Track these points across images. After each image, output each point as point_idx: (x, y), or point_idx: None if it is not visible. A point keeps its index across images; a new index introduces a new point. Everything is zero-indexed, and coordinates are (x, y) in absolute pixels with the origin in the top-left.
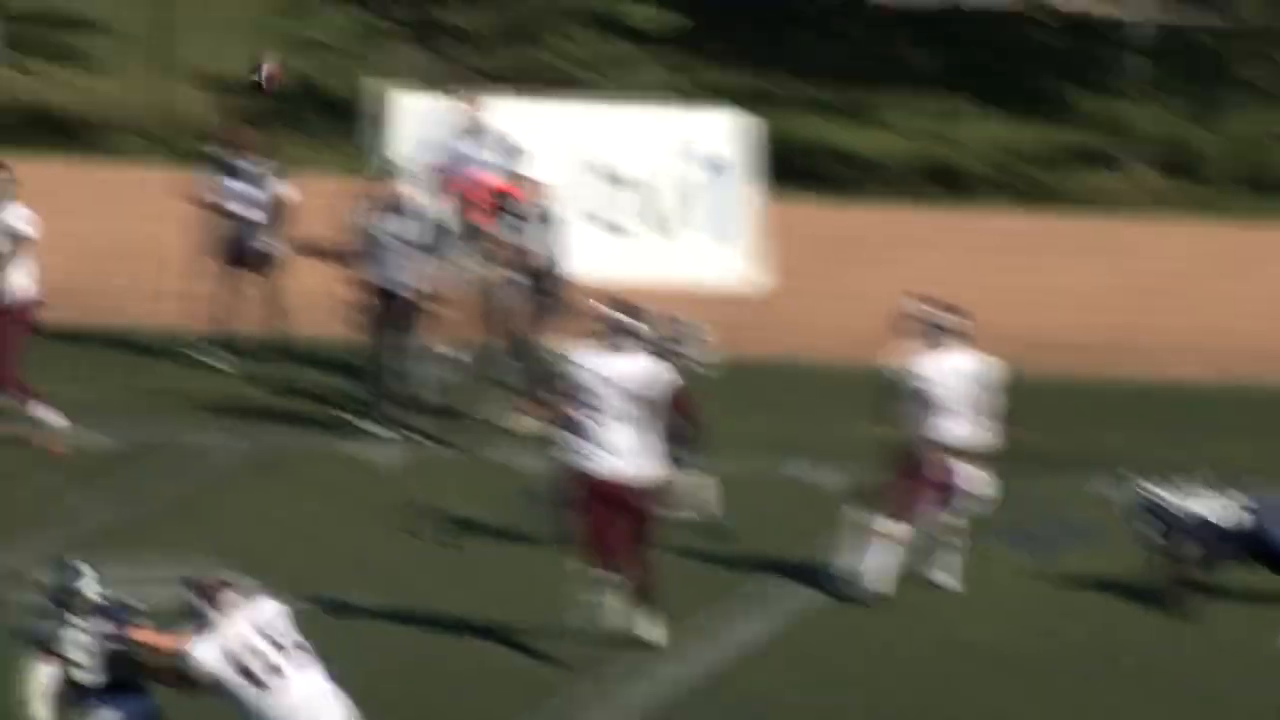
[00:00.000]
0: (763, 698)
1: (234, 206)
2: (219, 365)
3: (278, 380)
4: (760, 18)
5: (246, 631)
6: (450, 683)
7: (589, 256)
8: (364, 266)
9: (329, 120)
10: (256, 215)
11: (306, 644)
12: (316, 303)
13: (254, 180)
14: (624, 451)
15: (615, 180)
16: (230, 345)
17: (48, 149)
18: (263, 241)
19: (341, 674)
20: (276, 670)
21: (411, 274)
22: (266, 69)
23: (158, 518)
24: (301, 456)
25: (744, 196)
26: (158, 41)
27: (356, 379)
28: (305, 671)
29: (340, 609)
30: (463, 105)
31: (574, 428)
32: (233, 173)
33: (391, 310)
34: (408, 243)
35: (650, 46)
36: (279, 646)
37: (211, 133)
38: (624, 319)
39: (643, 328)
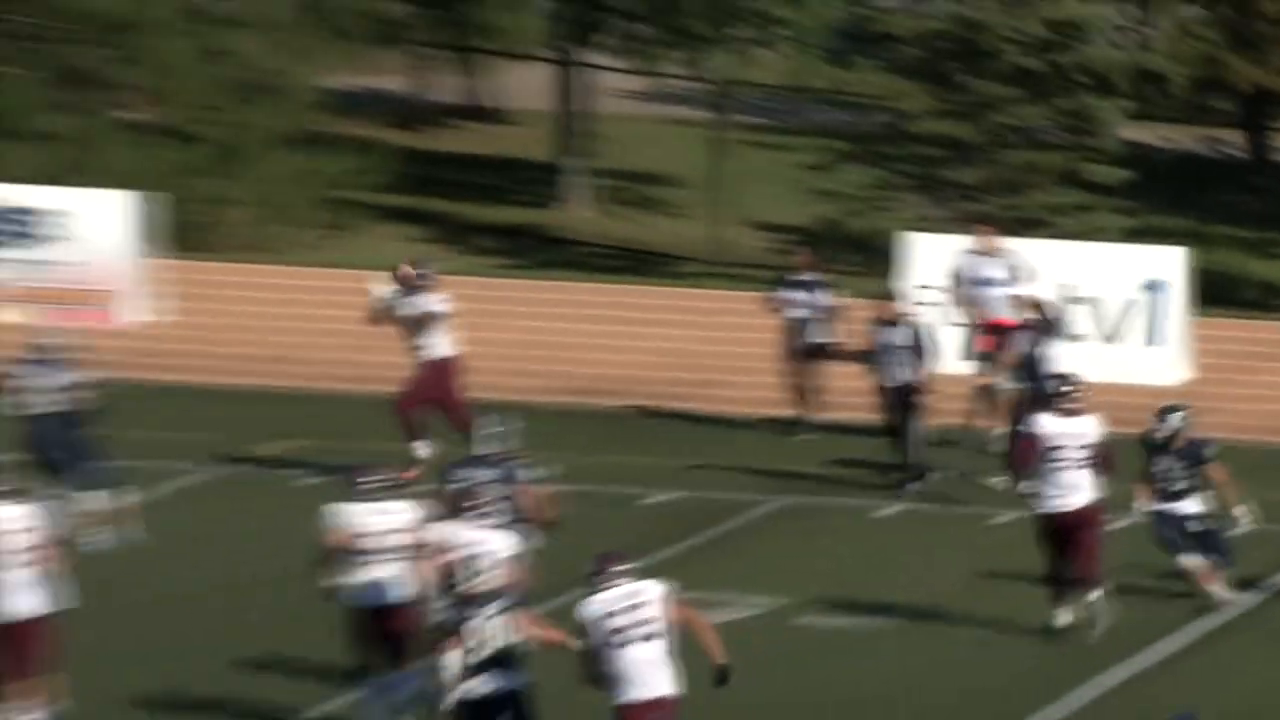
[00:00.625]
0: None
1: (798, 312)
2: (803, 436)
3: (826, 450)
4: (1194, 173)
5: (618, 600)
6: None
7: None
8: (877, 367)
9: (851, 254)
10: (815, 317)
11: (660, 623)
12: (854, 389)
13: (812, 290)
14: (1075, 488)
15: (1076, 300)
16: (797, 423)
17: (628, 275)
18: (819, 339)
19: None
20: (629, 637)
21: (911, 372)
22: (401, 271)
23: (706, 557)
24: (828, 512)
25: (1176, 312)
26: (716, 191)
27: (883, 452)
28: (649, 643)
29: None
30: (979, 237)
31: (1041, 476)
32: (796, 286)
33: (898, 401)
34: (906, 348)
35: (1106, 196)
36: (638, 621)
37: (797, 257)
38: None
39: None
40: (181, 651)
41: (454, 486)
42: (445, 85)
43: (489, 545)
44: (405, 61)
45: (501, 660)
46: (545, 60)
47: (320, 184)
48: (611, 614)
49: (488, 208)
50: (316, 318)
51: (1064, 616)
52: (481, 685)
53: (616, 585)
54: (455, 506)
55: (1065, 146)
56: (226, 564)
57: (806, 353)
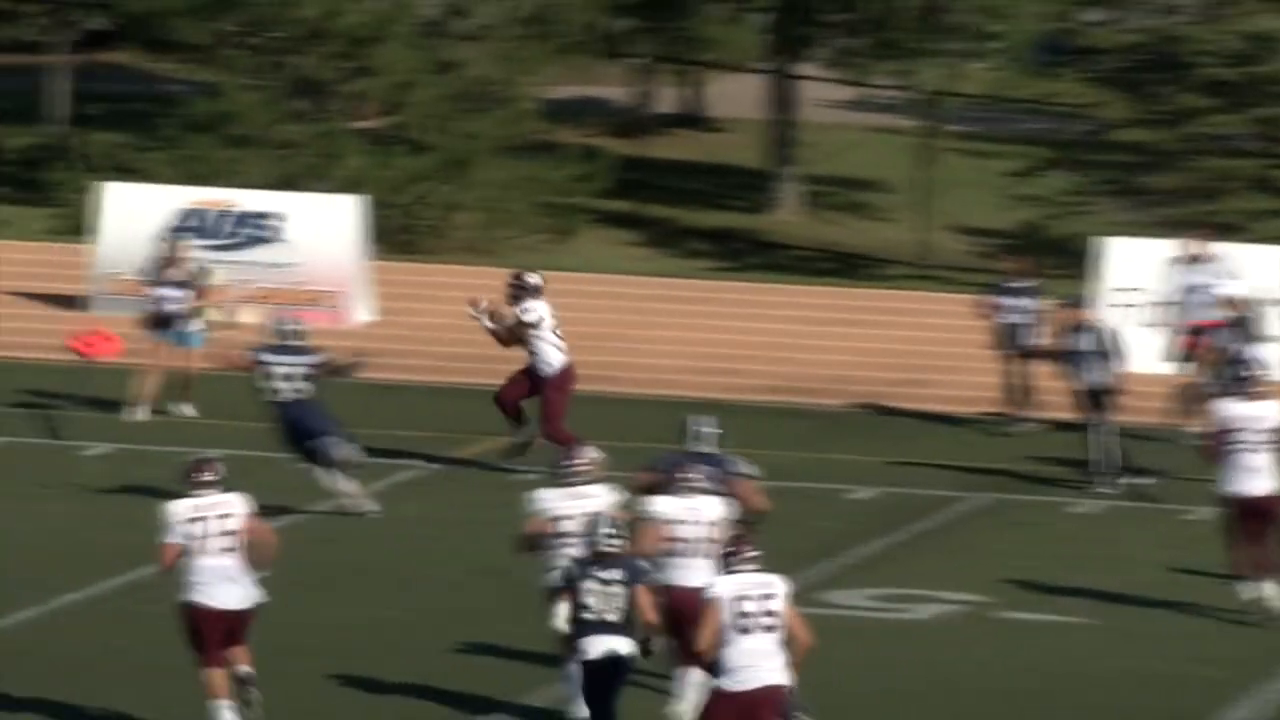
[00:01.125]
0: None
1: (1011, 317)
2: (1011, 434)
3: (1030, 447)
4: None
5: (752, 586)
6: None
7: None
8: (1070, 368)
9: (1051, 258)
10: (1025, 321)
11: (779, 616)
12: (1063, 388)
13: (1024, 295)
14: (1256, 472)
15: (1273, 303)
16: (1006, 420)
17: (836, 277)
18: (1031, 342)
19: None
20: (754, 625)
21: (1101, 375)
22: (486, 305)
23: (909, 551)
24: (1027, 508)
25: None
26: (921, 196)
27: (1083, 451)
28: (769, 635)
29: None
30: (1191, 241)
31: (1223, 461)
32: (1009, 291)
33: (1091, 402)
34: (1094, 352)
35: None
36: (765, 611)
37: (1009, 263)
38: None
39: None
40: (405, 633)
41: (665, 471)
42: (662, 95)
43: (700, 513)
44: (625, 72)
45: (617, 627)
46: (758, 71)
47: (542, 190)
48: (745, 598)
49: (701, 212)
50: None
51: (1250, 591)
52: (593, 647)
53: (748, 570)
54: (666, 486)
55: (1260, 154)
56: (447, 552)
57: (1021, 355)
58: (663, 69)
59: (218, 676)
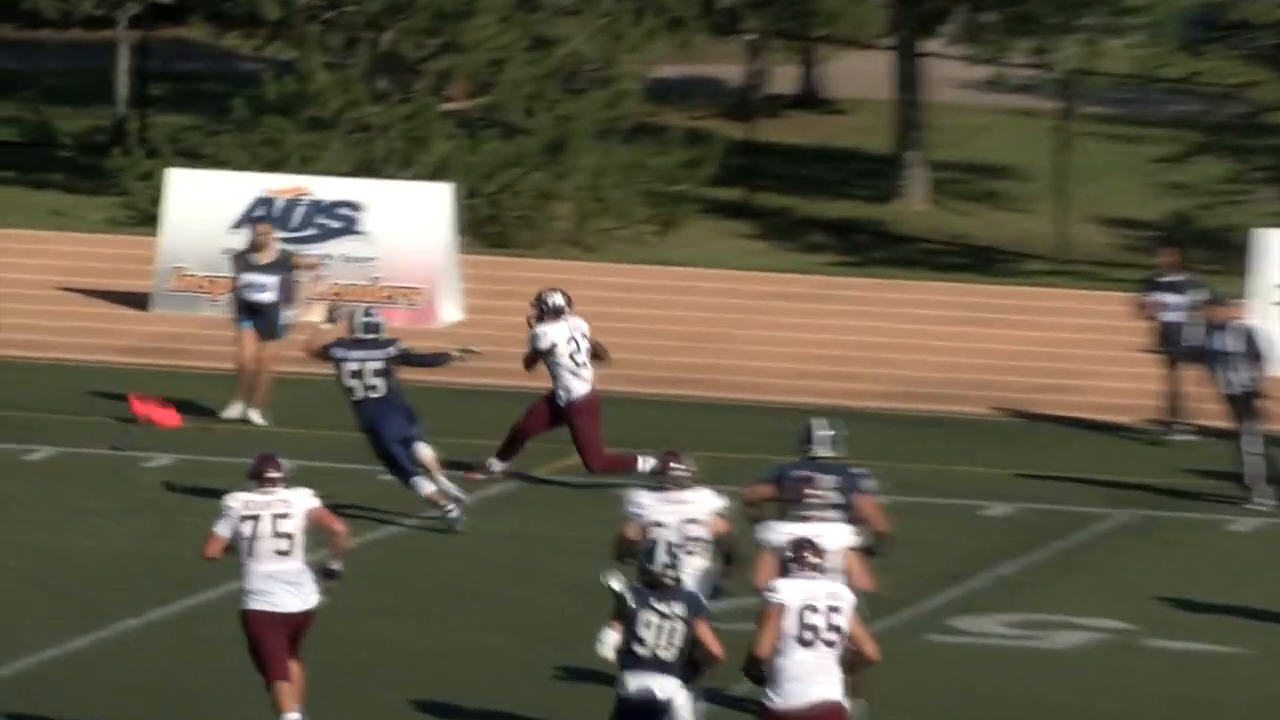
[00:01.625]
0: None
1: (1171, 315)
2: (1177, 438)
3: (1181, 459)
4: None
5: (820, 595)
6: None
7: None
8: (1214, 370)
9: (1204, 250)
10: (1183, 319)
11: (843, 630)
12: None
13: (1182, 290)
14: None
15: None
16: (1160, 429)
17: (968, 272)
18: (1194, 342)
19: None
20: (816, 638)
21: (1248, 377)
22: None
23: (1048, 573)
24: (1180, 526)
25: None
26: (1061, 184)
27: (1232, 462)
28: (830, 650)
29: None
30: None
31: None
32: (1166, 287)
33: (1238, 407)
34: (1239, 353)
35: None
36: (828, 625)
37: (1164, 256)
38: None
39: None
40: (494, 658)
41: (789, 486)
42: (777, 74)
43: (822, 539)
44: (737, 49)
45: (667, 666)
46: (882, 48)
47: (645, 177)
48: (812, 608)
49: (819, 202)
50: (636, 318)
51: None
52: (633, 683)
53: (815, 577)
54: (788, 504)
55: None
56: (540, 570)
57: (1183, 357)
58: (778, 45)
59: (285, 689)
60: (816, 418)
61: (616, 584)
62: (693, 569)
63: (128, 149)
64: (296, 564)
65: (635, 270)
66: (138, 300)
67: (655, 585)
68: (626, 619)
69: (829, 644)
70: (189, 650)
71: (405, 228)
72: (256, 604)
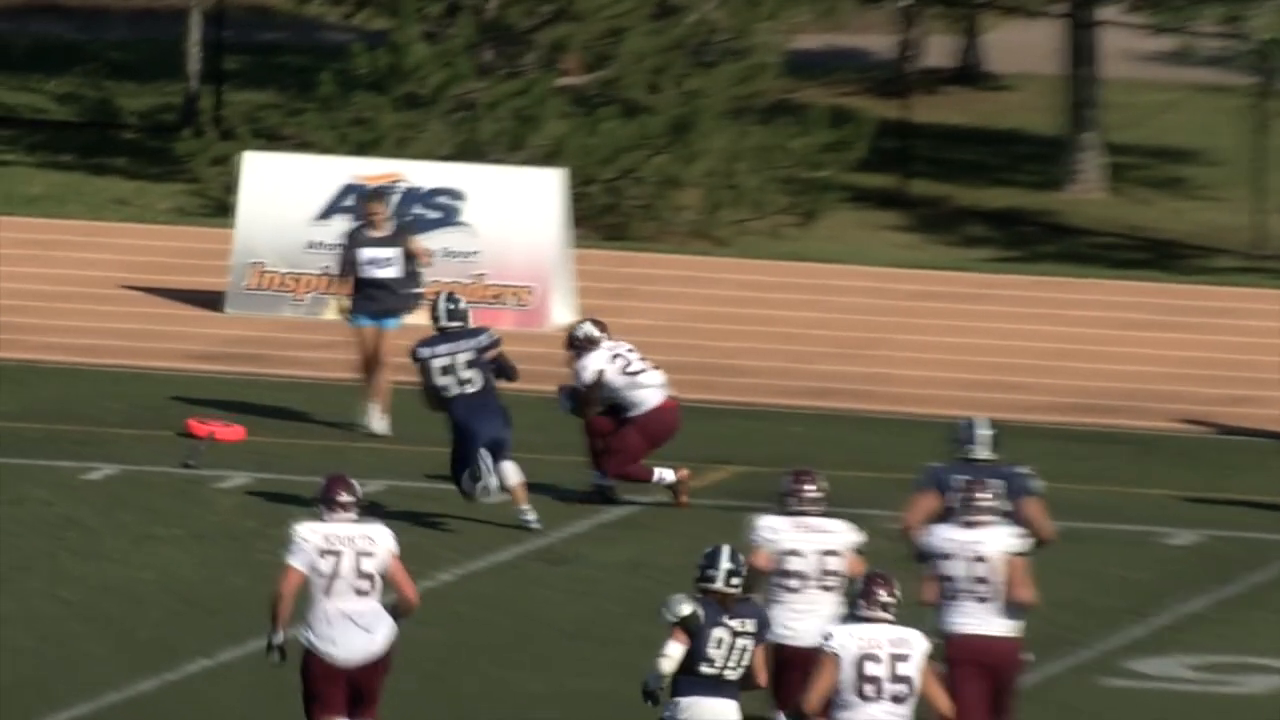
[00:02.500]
0: None
1: None
2: None
3: None
4: None
5: (884, 642)
6: None
7: None
8: None
9: None
10: None
11: (912, 682)
12: None
13: None
14: None
15: None
16: None
17: (1149, 269)
18: None
19: None
20: (878, 692)
21: None
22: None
23: (1239, 610)
24: None
25: None
26: (1257, 171)
27: None
28: (897, 706)
29: None
30: None
31: None
32: None
33: None
34: None
35: None
36: (893, 676)
37: None
38: None
39: None
40: (609, 706)
41: (950, 491)
42: (932, 46)
43: (982, 546)
44: (886, 18)
45: (731, 689)
46: (1051, 16)
47: (783, 162)
48: (873, 657)
49: (980, 189)
50: (772, 320)
51: None
52: (696, 713)
53: (882, 620)
54: (951, 510)
55: None
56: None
57: None
58: (934, 13)
59: None
60: (976, 415)
61: (687, 607)
62: (827, 607)
63: (199, 129)
64: (374, 604)
65: (771, 267)
66: (210, 300)
67: (719, 598)
68: (695, 635)
69: (895, 698)
70: (265, 695)
71: (513, 218)
72: (323, 648)
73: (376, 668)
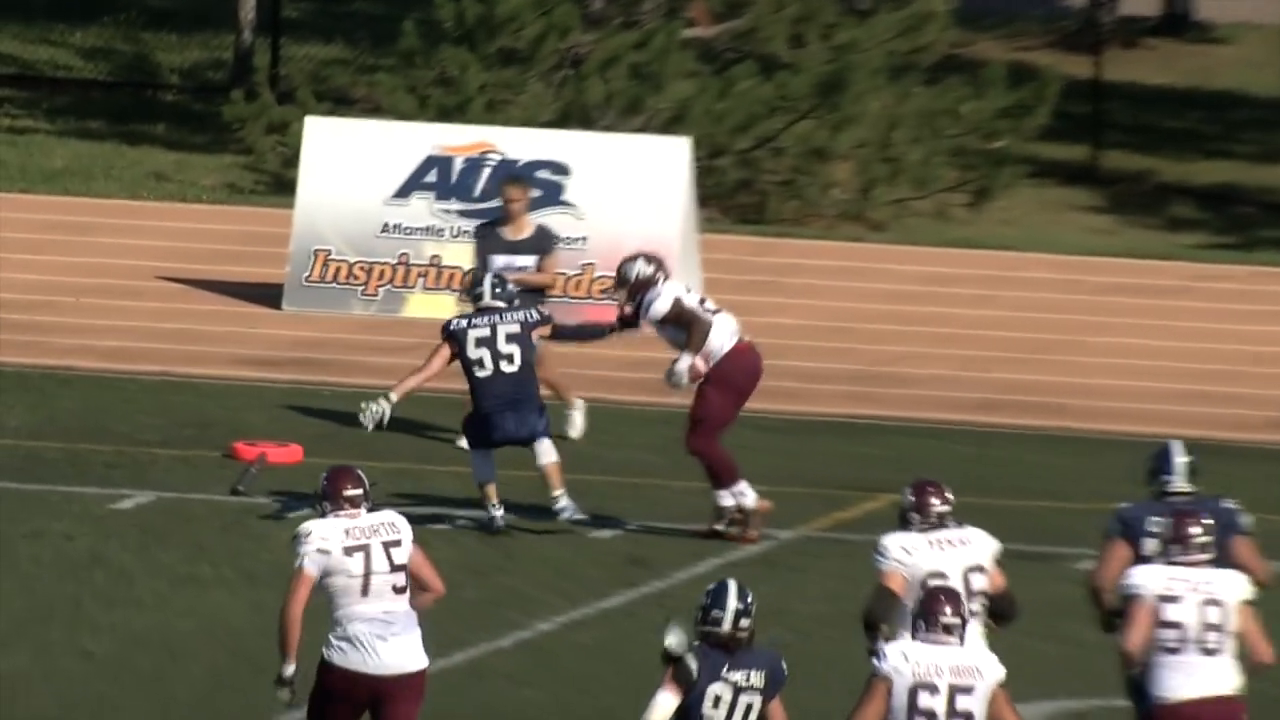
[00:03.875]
0: None
1: None
2: None
3: None
4: None
5: (949, 666)
6: None
7: None
8: None
9: None
10: None
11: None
12: None
13: None
14: None
15: None
16: None
17: None
18: None
19: None
20: None
21: None
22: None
23: None
24: None
25: None
26: None
27: None
28: None
29: None
30: None
31: None
32: None
33: None
34: None
35: None
36: (950, 711)
37: None
38: None
39: None
40: None
41: (1149, 530)
42: None
43: (1216, 587)
44: None
45: None
46: None
47: (955, 130)
48: (929, 686)
49: (1190, 162)
50: (939, 319)
51: None
52: None
53: (945, 643)
54: (1145, 560)
55: None
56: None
57: None
58: None
59: None
60: (1173, 441)
61: (675, 641)
62: (972, 635)
63: (253, 91)
64: (407, 604)
65: (937, 255)
66: (264, 295)
67: (725, 645)
68: (688, 690)
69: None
70: None
71: (627, 198)
72: (355, 658)
73: (413, 685)
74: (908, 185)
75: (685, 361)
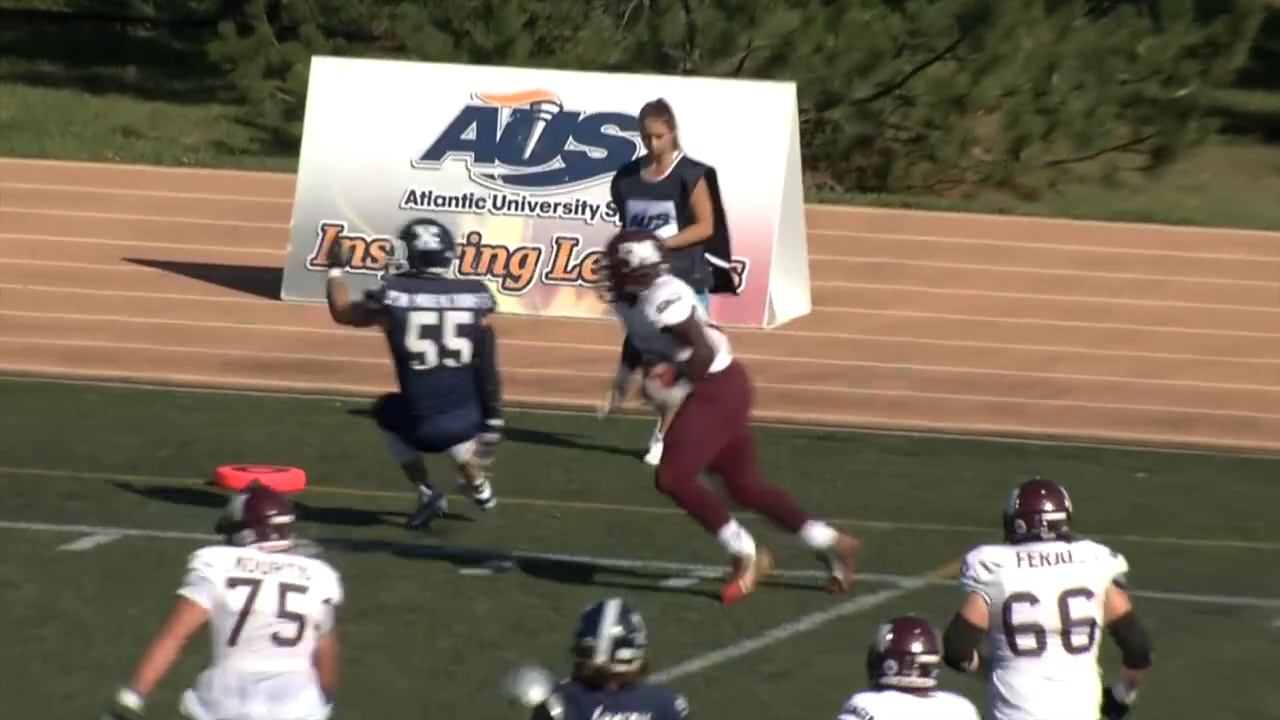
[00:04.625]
0: None
1: None
2: None
3: None
4: None
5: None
6: None
7: None
8: None
9: None
10: None
11: None
12: None
13: None
14: None
15: None
16: None
17: None
18: None
19: None
20: None
21: None
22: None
23: None
24: None
25: None
26: None
27: None
28: None
29: None
30: None
31: None
32: None
33: None
34: None
35: None
36: None
37: None
38: None
39: None
40: None
41: None
42: None
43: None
44: None
45: None
46: None
47: (1127, 74)
48: None
49: None
50: (1108, 311)
51: None
52: None
53: (919, 690)
54: None
55: None
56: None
57: None
58: None
59: None
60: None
61: (531, 689)
62: (1081, 676)
63: (247, 25)
64: (302, 665)
65: (1104, 231)
66: (261, 281)
67: (599, 681)
68: None
69: None
70: None
71: (717, 160)
72: (215, 715)
73: None
74: (1068, 143)
75: (679, 392)
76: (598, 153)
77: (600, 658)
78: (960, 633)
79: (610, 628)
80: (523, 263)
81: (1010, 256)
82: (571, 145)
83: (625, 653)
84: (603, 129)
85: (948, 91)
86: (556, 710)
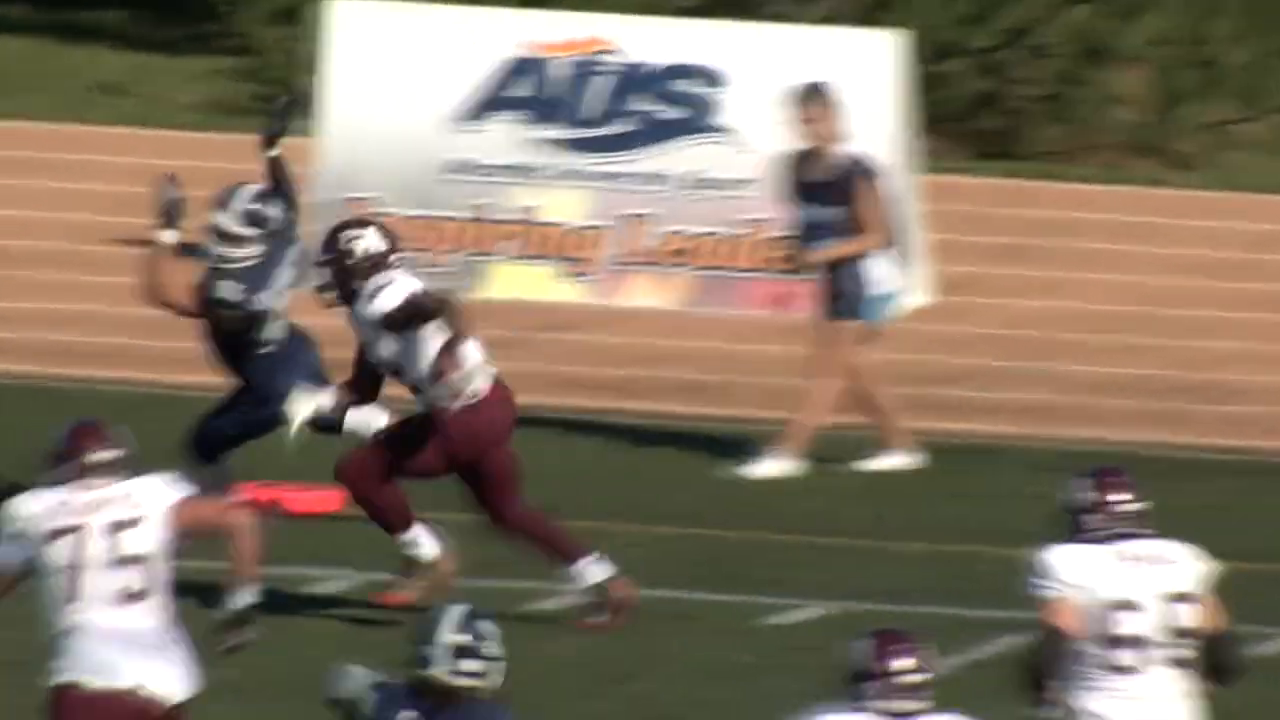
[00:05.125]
0: None
1: None
2: None
3: None
4: None
5: None
6: None
7: None
8: None
9: None
10: None
11: None
12: None
13: None
14: None
15: None
16: None
17: None
18: None
19: None
20: None
21: None
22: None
23: None
24: None
25: None
26: None
27: None
28: None
29: None
30: None
31: None
32: None
33: None
34: None
35: None
36: None
37: None
38: None
39: None
40: None
41: None
42: None
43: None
44: None
45: None
46: None
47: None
48: None
49: None
50: (1263, 301)
51: None
52: None
53: (913, 706)
54: None
55: None
56: None
57: None
58: None
59: None
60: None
61: (350, 684)
62: (1164, 688)
63: None
64: (150, 617)
65: (1274, 206)
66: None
67: (441, 697)
68: None
69: None
70: None
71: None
72: (70, 676)
73: (163, 708)
74: (1230, 103)
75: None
76: (671, 113)
77: (438, 668)
78: (1055, 645)
79: (449, 635)
80: (585, 244)
81: (1166, 237)
82: (636, 105)
83: (467, 664)
84: (674, 86)
85: (1087, 41)
86: (371, 701)
